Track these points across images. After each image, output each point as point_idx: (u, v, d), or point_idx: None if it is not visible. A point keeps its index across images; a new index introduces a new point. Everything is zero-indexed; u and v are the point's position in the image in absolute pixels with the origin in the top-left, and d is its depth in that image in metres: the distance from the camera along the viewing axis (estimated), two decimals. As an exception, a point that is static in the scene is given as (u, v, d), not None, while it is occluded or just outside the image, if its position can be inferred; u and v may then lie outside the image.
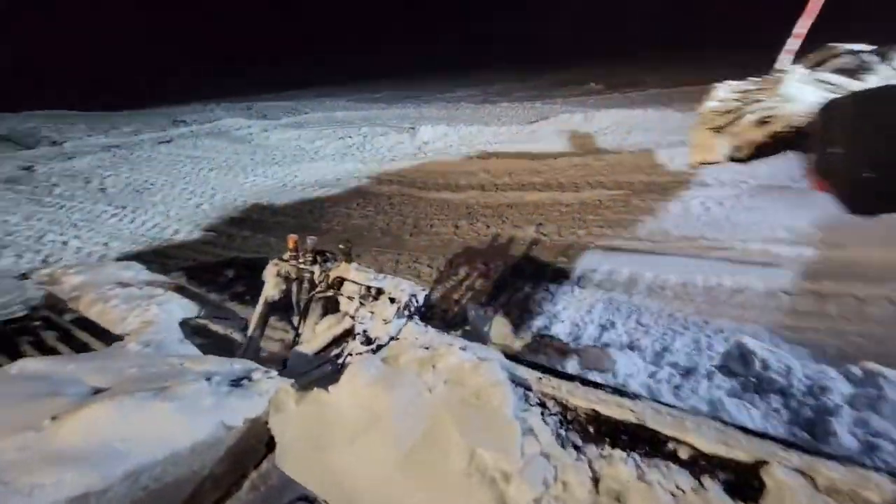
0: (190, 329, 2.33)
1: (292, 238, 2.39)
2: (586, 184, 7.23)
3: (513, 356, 1.63)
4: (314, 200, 7.80)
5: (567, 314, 3.87)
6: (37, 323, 2.79)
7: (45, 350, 2.12)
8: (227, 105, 17.92)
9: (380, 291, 2.17)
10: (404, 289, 2.13)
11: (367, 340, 2.04)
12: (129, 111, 19.65)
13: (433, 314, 4.17)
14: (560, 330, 3.64)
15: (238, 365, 1.76)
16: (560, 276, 4.69)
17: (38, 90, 22.44)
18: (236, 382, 1.60)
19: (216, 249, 6.00)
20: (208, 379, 1.60)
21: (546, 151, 8.97)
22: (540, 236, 5.75)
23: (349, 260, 2.35)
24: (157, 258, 5.71)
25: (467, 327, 3.40)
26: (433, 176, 8.48)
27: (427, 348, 1.61)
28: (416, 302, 2.11)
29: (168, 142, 11.92)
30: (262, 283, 2.47)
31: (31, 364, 1.59)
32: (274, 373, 1.70)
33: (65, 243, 6.05)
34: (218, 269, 5.40)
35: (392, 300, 2.08)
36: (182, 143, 11.84)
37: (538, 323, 3.79)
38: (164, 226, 6.82)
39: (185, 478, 1.33)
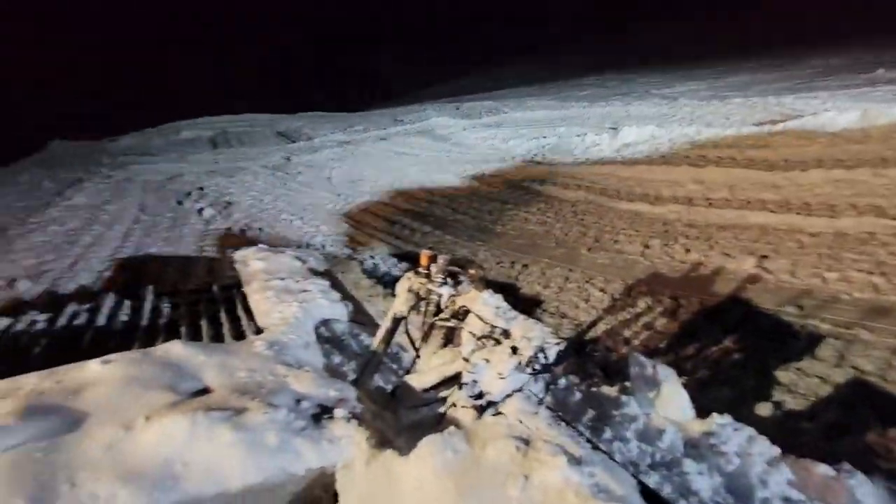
0: (326, 332, 2.36)
1: (426, 254, 2.19)
2: (849, 207, 5.29)
3: (652, 492, 1.05)
4: (495, 201, 7.72)
5: (786, 397, 2.77)
6: (213, 296, 3.27)
7: (198, 327, 2.41)
8: (440, 105, 19.52)
9: (505, 334, 1.79)
10: (533, 338, 1.70)
11: (477, 394, 1.69)
12: (365, 112, 23.33)
13: (592, 350, 3.54)
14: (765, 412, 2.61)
15: (334, 391, 1.63)
16: (784, 334, 3.44)
17: (305, 97, 28.58)
18: (318, 416, 1.45)
19: (396, 241, 6.43)
20: (298, 402, 1.51)
21: (788, 160, 6.94)
22: (762, 273, 4.40)
23: (480, 287, 2.03)
24: (346, 243, 6.43)
25: (627, 383, 2.71)
26: (628, 184, 7.46)
27: (527, 442, 1.17)
28: (544, 359, 1.66)
29: (386, 139, 13.56)
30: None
31: (175, 349, 1.74)
32: (356, 412, 1.50)
33: (291, 222, 7.36)
34: (395, 258, 5.78)
35: (514, 350, 1.67)
36: (396, 140, 13.32)
37: (728, 395, 2.81)
38: (363, 220, 7.70)
39: (236, 518, 1.23)
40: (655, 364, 2.51)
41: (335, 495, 1.39)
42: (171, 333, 2.82)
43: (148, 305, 3.27)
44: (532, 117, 13.69)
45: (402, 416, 1.87)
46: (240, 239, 6.72)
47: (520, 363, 1.65)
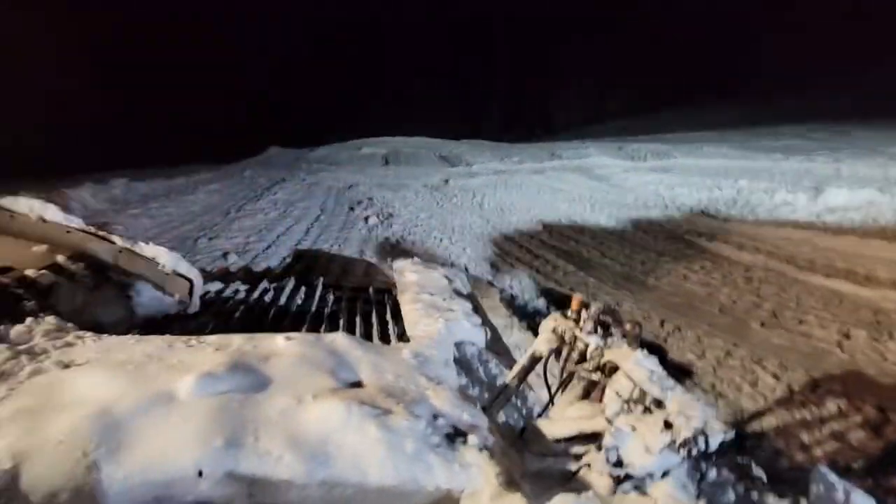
0: (462, 353, 2.43)
1: (577, 298, 2.11)
2: None
3: None
4: (649, 251, 7.12)
5: None
6: (368, 296, 3.58)
7: (370, 325, 2.66)
8: (602, 144, 18.93)
9: (658, 404, 1.62)
10: (693, 416, 1.50)
11: (617, 462, 1.55)
12: (524, 144, 23.83)
13: (754, 446, 2.97)
14: None
15: (468, 415, 1.66)
16: None
17: (469, 125, 30.37)
18: (451, 438, 1.49)
19: (537, 276, 6.34)
20: (435, 417, 1.57)
21: None
22: None
23: (634, 346, 1.87)
24: (488, 269, 6.56)
25: (803, 500, 2.20)
26: (828, 255, 6.20)
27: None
28: (704, 445, 1.45)
29: (540, 173, 13.64)
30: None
31: (339, 339, 1.97)
32: (488, 443, 1.50)
33: (440, 240, 7.82)
34: (534, 291, 5.71)
35: (668, 425, 1.50)
36: (551, 174, 13.30)
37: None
38: (507, 249, 7.79)
39: (368, 511, 1.32)
40: (850, 488, 2.01)
41: (456, 522, 1.40)
42: (332, 322, 3.20)
43: (317, 294, 3.79)
44: (706, 165, 12.38)
45: (528, 460, 1.81)
46: (395, 249, 7.39)
47: (673, 441, 1.47)
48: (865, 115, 19.02)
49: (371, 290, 4.04)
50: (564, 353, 2.14)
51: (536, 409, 2.68)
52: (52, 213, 2.31)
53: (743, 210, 8.52)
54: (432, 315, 2.48)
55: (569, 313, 2.19)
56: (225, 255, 6.77)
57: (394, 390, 1.68)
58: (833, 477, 1.98)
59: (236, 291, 3.78)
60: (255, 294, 3.73)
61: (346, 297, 3.83)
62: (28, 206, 2.27)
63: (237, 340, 1.86)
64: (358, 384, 1.71)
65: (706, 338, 4.54)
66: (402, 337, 2.38)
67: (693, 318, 5.00)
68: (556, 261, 6.90)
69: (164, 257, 2.44)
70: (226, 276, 5.13)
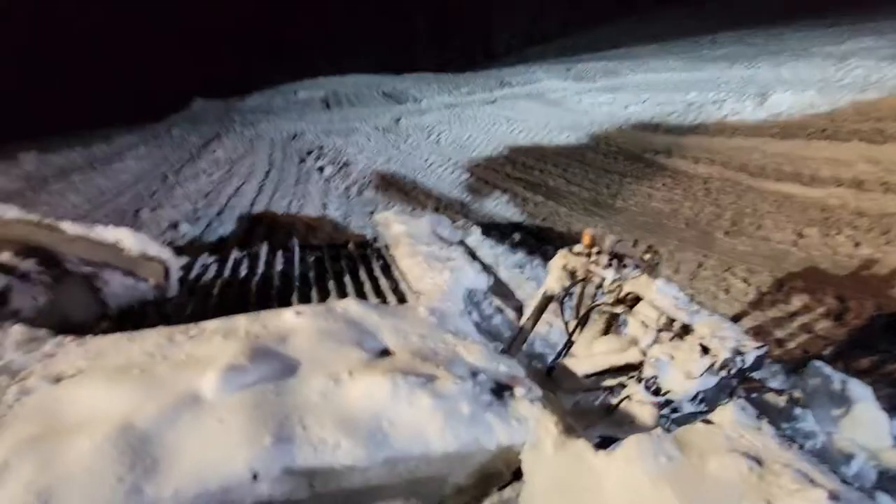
0: (471, 302, 2.38)
1: (588, 233, 2.07)
2: None
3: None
4: (612, 173, 7.22)
5: None
6: (364, 254, 3.44)
7: (360, 283, 2.55)
8: (549, 67, 18.48)
9: (686, 329, 1.64)
10: (727, 337, 1.54)
11: (656, 390, 1.58)
12: (469, 73, 22.89)
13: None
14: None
15: (504, 366, 1.63)
16: None
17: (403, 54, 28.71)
18: (498, 392, 1.46)
19: (512, 208, 6.33)
20: (475, 374, 1.53)
21: None
22: (964, 279, 3.63)
23: (652, 274, 1.88)
24: (460, 210, 6.46)
25: (796, 392, 2.41)
26: (777, 160, 6.52)
27: (760, 462, 1.05)
28: (743, 363, 1.50)
29: (492, 102, 13.24)
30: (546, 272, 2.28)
31: (352, 307, 1.85)
32: (537, 394, 1.48)
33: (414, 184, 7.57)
34: (506, 231, 5.71)
35: (705, 350, 1.53)
36: (503, 104, 12.93)
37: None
38: (475, 187, 7.66)
39: (434, 479, 1.29)
40: (846, 379, 2.20)
41: (516, 472, 1.40)
42: (321, 286, 3.05)
43: (296, 257, 3.57)
44: (655, 80, 12.43)
45: (561, 399, 1.84)
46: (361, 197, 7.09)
47: (713, 364, 1.51)
48: (792, 14, 19.48)
49: (351, 245, 3.87)
50: (579, 289, 2.14)
51: (550, 351, 2.72)
52: (-21, 204, 1.95)
53: (695, 123, 8.71)
54: (435, 266, 2.39)
55: (578, 249, 2.16)
56: (174, 225, 6.25)
57: (425, 353, 1.61)
58: (830, 370, 2.16)
59: (205, 266, 3.50)
60: (229, 265, 3.48)
61: (327, 256, 3.65)
62: (-53, 199, 1.90)
63: (242, 322, 1.70)
64: (386, 352, 1.63)
65: (678, 252, 4.76)
66: (404, 293, 2.30)
67: (663, 235, 5.21)
68: (524, 193, 6.88)
69: (128, 240, 2.16)
70: (189, 250, 4.75)
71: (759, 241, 4.78)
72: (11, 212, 1.99)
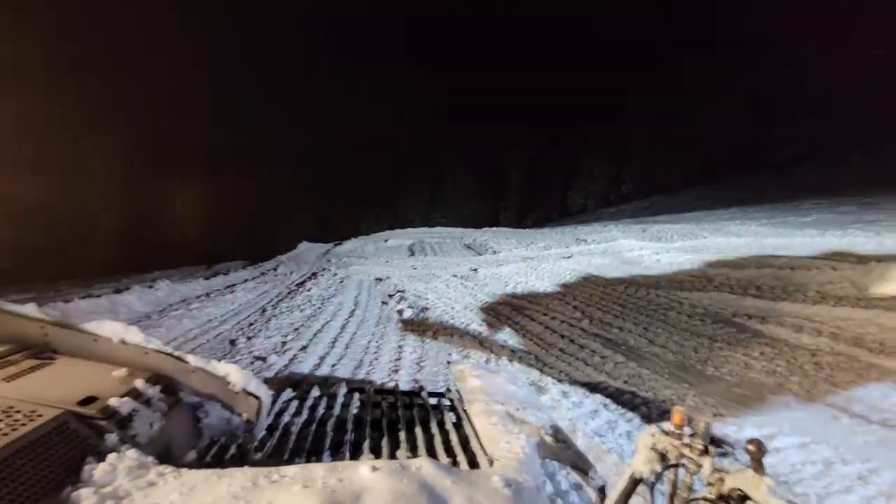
0: (546, 473, 2.22)
1: (678, 412, 1.95)
2: None
3: None
4: (700, 336, 6.79)
5: None
6: (438, 404, 3.40)
7: (431, 436, 2.49)
8: (625, 226, 19.12)
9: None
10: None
11: None
12: (545, 229, 24.28)
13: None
14: None
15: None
16: None
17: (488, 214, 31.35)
18: None
19: (586, 368, 6.05)
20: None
21: None
22: None
23: (760, 469, 1.67)
24: (534, 363, 6.29)
25: None
26: (899, 337, 5.79)
27: None
28: None
29: (569, 258, 13.66)
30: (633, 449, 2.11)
31: (426, 467, 1.83)
32: None
33: (481, 333, 7.66)
34: (582, 391, 5.39)
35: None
36: (580, 259, 13.29)
37: None
38: (550, 341, 7.57)
39: None
40: None
41: None
42: (393, 435, 3.02)
43: (370, 401, 3.63)
44: (738, 244, 12.23)
45: None
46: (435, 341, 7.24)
47: None
48: (888, 184, 18.98)
49: (425, 393, 3.87)
50: (670, 475, 1.94)
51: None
52: (133, 334, 2.34)
53: (789, 288, 8.20)
54: (511, 430, 2.31)
55: (667, 428, 2.02)
56: (262, 359, 6.72)
57: (500, 533, 1.50)
58: None
59: (287, 402, 3.67)
60: (308, 404, 3.61)
61: (400, 402, 3.67)
62: (111, 329, 2.32)
63: (320, 473, 1.74)
64: (458, 526, 1.54)
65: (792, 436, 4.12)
66: (475, 454, 2.20)
67: (768, 413, 4.59)
68: (602, 350, 6.62)
69: (235, 376, 2.40)
70: (274, 381, 5.02)
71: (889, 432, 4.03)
72: (152, 343, 2.36)
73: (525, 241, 18.32)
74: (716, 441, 1.87)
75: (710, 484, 1.76)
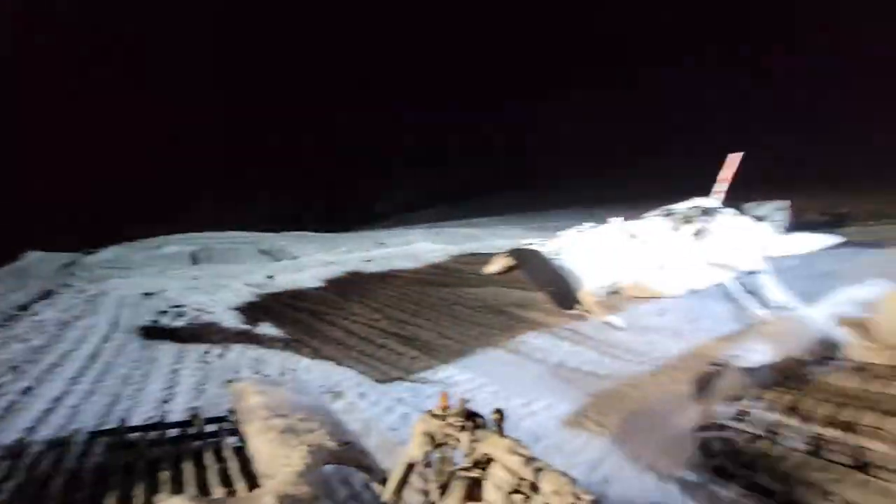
0: (333, 478, 2.21)
1: (443, 394, 2.18)
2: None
3: None
4: (481, 325, 7.79)
5: None
6: (215, 431, 3.06)
7: (203, 470, 2.22)
8: (424, 230, 20.58)
9: (534, 488, 1.73)
10: (565, 492, 1.65)
11: (510, 558, 1.57)
12: (349, 233, 24.28)
13: None
14: None
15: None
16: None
17: (296, 217, 29.78)
18: None
19: (383, 366, 6.27)
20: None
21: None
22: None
23: (501, 433, 2.00)
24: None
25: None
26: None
27: None
28: (586, 511, 1.59)
29: (369, 261, 13.95)
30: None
31: (179, 505, 1.60)
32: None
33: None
34: (384, 385, 5.57)
35: (550, 508, 1.61)
36: (380, 262, 13.71)
37: None
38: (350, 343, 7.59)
39: None
40: None
41: None
42: (151, 479, 2.55)
43: (121, 443, 3.00)
44: (503, 245, 14.49)
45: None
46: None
47: (557, 525, 1.58)
48: (619, 198, 25.21)
49: (198, 421, 3.41)
50: (439, 454, 2.15)
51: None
52: None
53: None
54: (291, 444, 2.21)
55: (436, 411, 2.23)
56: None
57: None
58: None
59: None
60: (26, 461, 2.76)
61: (167, 438, 3.13)
62: None
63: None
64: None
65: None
66: (257, 477, 2.04)
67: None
68: (398, 347, 6.97)
69: None
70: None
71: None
72: None
73: (328, 245, 17.96)
74: (472, 416, 2.15)
75: (467, 454, 2.02)
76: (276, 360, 6.55)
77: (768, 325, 4.21)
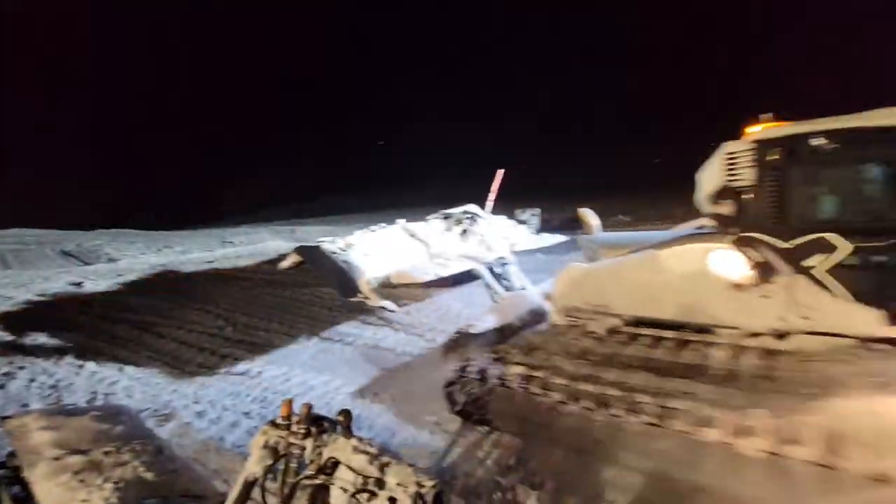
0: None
1: (285, 403, 2.04)
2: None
3: None
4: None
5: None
6: None
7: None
8: (277, 228, 19.19)
9: (379, 484, 1.73)
10: (409, 483, 1.68)
11: (355, 563, 1.55)
12: (189, 231, 21.30)
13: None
14: None
15: None
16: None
17: (117, 211, 25.01)
18: None
19: (231, 379, 5.69)
20: None
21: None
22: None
23: (348, 434, 1.95)
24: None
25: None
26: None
27: None
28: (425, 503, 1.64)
29: (211, 262, 12.49)
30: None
31: None
32: None
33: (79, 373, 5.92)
34: (226, 400, 5.04)
35: (392, 501, 1.63)
36: (224, 262, 12.37)
37: None
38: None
39: None
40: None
41: None
42: None
43: None
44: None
45: None
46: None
47: (398, 516, 1.60)
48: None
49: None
50: (282, 466, 2.01)
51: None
52: None
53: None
54: (92, 482, 1.83)
55: (279, 421, 2.08)
56: None
57: None
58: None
59: None
60: None
61: None
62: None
63: None
64: None
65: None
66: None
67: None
68: (246, 355, 6.37)
69: None
70: None
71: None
72: None
73: (158, 244, 15.58)
74: (318, 420, 2.05)
75: (312, 461, 1.92)
76: (83, 383, 5.43)
77: (503, 301, 5.42)
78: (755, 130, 3.42)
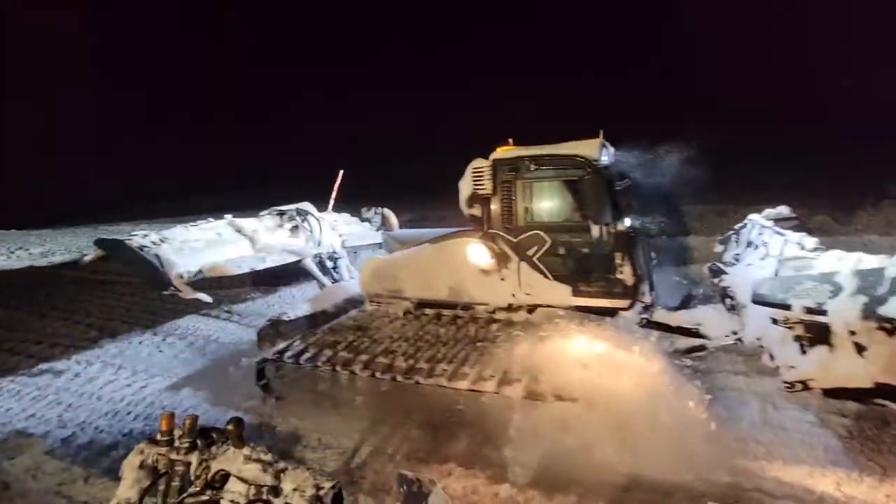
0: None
1: (165, 417, 1.86)
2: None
3: None
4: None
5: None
6: None
7: None
8: (159, 226, 17.16)
9: (274, 491, 1.66)
10: (305, 487, 1.63)
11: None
12: (55, 229, 18.29)
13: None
14: None
15: None
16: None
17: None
18: None
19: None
20: None
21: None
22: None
23: (239, 444, 1.83)
24: None
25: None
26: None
27: None
28: (323, 504, 1.61)
29: (78, 269, 10.83)
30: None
31: None
32: None
33: None
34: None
35: (289, 509, 1.57)
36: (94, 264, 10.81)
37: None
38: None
39: None
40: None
41: None
42: None
43: None
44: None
45: None
46: None
47: (302, 518, 1.55)
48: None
49: None
50: (162, 486, 1.84)
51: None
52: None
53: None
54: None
55: (158, 438, 1.90)
56: None
57: None
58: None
59: None
60: None
61: None
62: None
63: None
64: None
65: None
66: None
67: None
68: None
69: None
70: None
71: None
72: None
73: (7, 246, 13.20)
74: (205, 432, 1.90)
75: (198, 477, 1.78)
76: None
77: (326, 291, 5.94)
78: (496, 152, 4.56)
